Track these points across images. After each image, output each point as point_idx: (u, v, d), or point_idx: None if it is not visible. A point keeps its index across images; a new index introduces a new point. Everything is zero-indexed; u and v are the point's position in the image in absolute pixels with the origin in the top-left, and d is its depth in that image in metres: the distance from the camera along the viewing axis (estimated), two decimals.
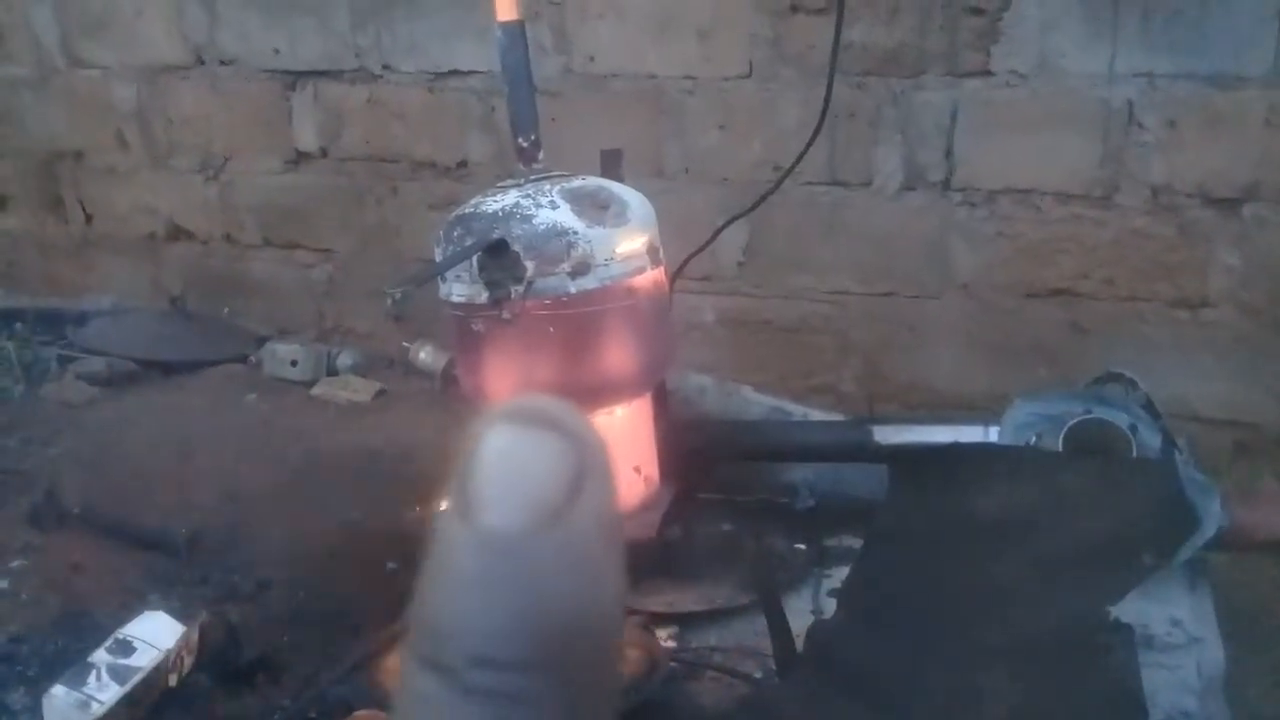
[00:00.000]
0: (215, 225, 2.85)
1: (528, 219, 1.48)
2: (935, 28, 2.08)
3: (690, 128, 2.31)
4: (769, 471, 1.86)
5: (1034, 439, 1.69)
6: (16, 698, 1.47)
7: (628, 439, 1.65)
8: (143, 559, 1.79)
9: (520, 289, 1.47)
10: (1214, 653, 1.36)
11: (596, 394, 1.56)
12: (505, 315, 1.49)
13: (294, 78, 2.62)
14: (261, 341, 2.70)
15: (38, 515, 1.87)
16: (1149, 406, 1.72)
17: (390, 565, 1.70)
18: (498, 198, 1.53)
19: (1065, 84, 2.04)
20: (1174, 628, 1.39)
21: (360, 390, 2.50)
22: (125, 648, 1.38)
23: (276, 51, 2.61)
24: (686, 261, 1.85)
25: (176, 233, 2.90)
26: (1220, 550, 1.53)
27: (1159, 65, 1.97)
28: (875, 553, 1.61)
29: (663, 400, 1.74)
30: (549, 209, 1.49)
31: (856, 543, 1.67)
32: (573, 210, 1.49)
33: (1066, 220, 2.11)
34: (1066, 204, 2.11)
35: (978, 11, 2.05)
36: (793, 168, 2.01)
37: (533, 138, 1.59)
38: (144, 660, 1.37)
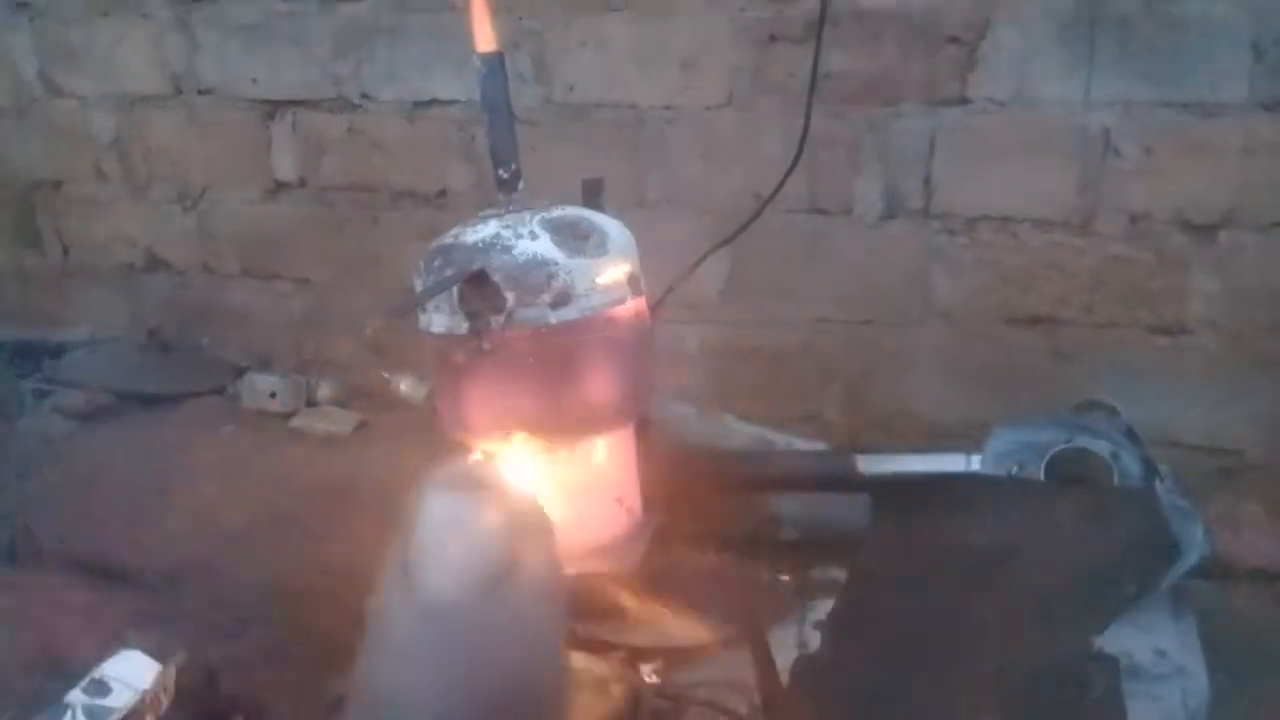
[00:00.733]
0: (194, 255, 2.83)
1: (508, 250, 1.47)
2: (913, 56, 2.09)
3: (671, 157, 2.31)
4: (753, 502, 1.85)
5: (1016, 468, 1.69)
6: None
7: (610, 470, 1.64)
8: (120, 595, 1.76)
9: (501, 320, 1.46)
10: (1199, 682, 1.36)
11: (578, 425, 1.56)
12: (486, 346, 1.48)
13: (273, 107, 2.61)
14: (240, 373, 2.68)
15: (13, 551, 1.85)
16: (1130, 434, 1.73)
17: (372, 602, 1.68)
18: (478, 228, 1.52)
19: (1043, 111, 2.05)
20: (1159, 657, 1.39)
21: (340, 422, 2.49)
22: (101, 688, 1.35)
23: (255, 81, 2.60)
24: (668, 291, 1.85)
25: (155, 263, 2.88)
26: (1204, 578, 1.53)
27: (1136, 93, 1.99)
28: (859, 584, 1.61)
29: (645, 430, 1.73)
30: (529, 239, 1.48)
31: (841, 574, 1.67)
32: (553, 241, 1.49)
33: (1046, 247, 2.12)
34: (1046, 231, 2.11)
35: (955, 40, 2.06)
36: (773, 196, 2.02)
37: (513, 168, 1.59)
38: (120, 701, 1.34)
